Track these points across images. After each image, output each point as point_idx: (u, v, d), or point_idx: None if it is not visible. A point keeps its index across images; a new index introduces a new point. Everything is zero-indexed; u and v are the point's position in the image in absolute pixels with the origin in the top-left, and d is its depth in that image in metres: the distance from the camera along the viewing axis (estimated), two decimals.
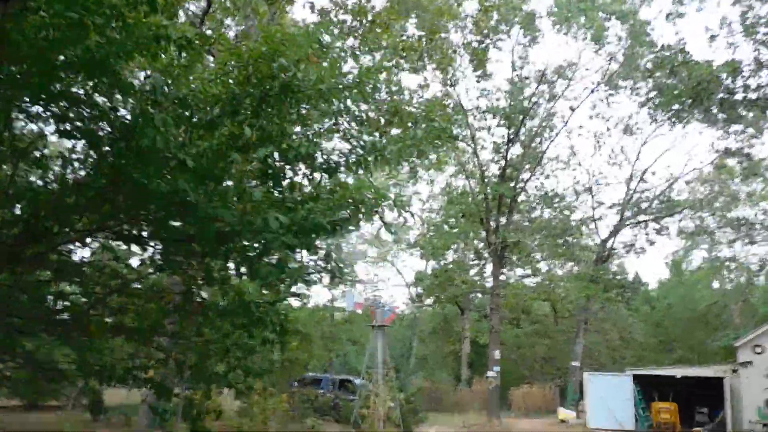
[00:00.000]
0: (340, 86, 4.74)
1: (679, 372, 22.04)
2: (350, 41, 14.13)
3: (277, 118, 4.42)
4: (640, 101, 25.01)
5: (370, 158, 4.92)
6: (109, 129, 4.09)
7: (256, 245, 4.79)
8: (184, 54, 4.22)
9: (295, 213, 4.54)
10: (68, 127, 4.15)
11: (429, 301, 30.14)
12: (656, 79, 21.67)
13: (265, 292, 6.67)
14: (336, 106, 5.03)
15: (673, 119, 24.14)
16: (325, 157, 4.96)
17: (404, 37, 15.74)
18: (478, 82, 23.00)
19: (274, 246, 4.43)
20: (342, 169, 5.09)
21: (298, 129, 5.01)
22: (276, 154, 4.53)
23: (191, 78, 4.45)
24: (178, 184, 3.89)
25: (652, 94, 23.69)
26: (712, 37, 18.59)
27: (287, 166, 4.77)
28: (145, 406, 7.64)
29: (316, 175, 5.10)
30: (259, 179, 4.76)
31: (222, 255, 5.09)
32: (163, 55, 4.12)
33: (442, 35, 17.94)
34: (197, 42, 4.35)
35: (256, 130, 4.38)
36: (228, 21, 14.62)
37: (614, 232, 28.57)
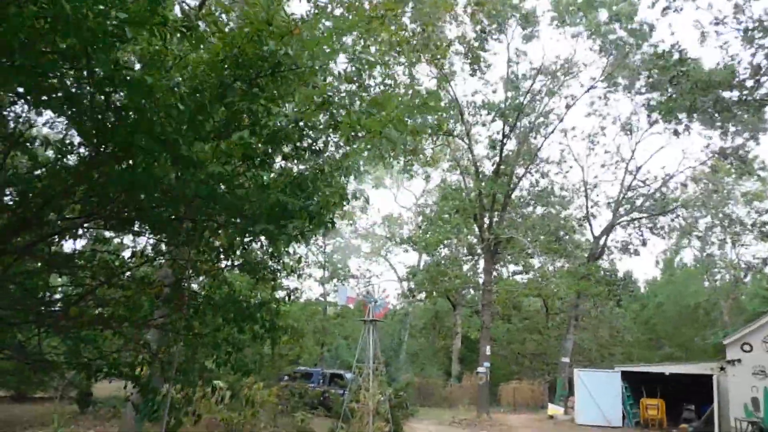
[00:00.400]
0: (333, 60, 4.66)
1: (667, 369, 22.23)
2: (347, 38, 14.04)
3: (264, 99, 4.34)
4: (640, 102, 25.22)
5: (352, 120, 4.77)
6: (88, 89, 3.95)
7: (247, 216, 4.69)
8: (186, 43, 4.13)
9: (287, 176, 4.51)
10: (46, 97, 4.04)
11: (421, 295, 30.19)
12: (652, 76, 21.74)
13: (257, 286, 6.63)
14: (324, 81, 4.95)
15: (675, 128, 24.40)
16: (309, 140, 4.89)
17: (401, 32, 15.64)
18: (472, 75, 22.96)
19: (269, 204, 4.36)
20: (330, 151, 5.02)
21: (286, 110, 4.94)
22: (257, 138, 4.46)
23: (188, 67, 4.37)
24: (166, 134, 3.78)
25: (650, 94, 23.93)
26: (703, 33, 18.64)
27: (270, 149, 4.70)
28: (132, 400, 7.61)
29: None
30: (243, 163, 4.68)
31: (213, 221, 4.95)
32: (157, 46, 4.04)
33: (437, 28, 17.87)
34: (198, 30, 4.26)
35: (245, 112, 4.31)
36: (224, 17, 14.47)
37: (607, 229, 28.73)
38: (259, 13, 4.10)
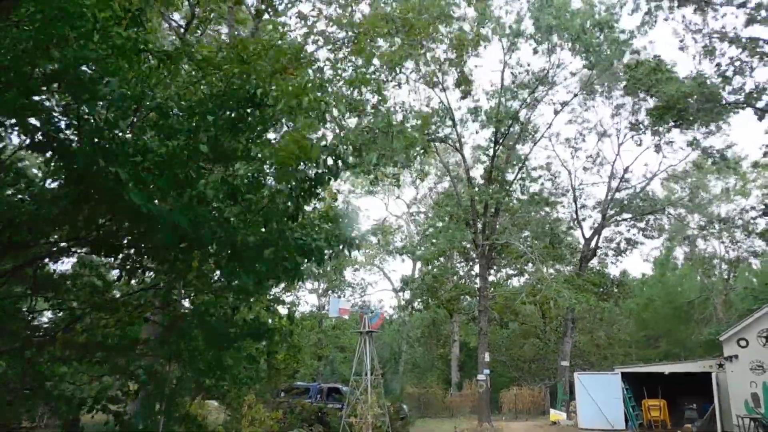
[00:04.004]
0: (323, 101, 4.67)
1: (667, 368, 22.13)
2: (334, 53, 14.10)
3: (244, 137, 4.32)
4: (627, 119, 25.72)
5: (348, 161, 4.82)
6: (77, 135, 3.88)
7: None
8: (163, 66, 4.13)
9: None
10: (39, 138, 3.94)
11: (417, 304, 29.92)
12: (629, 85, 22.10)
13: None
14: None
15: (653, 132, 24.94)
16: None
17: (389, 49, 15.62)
18: (463, 98, 23.17)
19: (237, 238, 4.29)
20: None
21: None
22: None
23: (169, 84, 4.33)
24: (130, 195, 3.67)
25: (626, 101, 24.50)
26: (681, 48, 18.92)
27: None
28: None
29: None
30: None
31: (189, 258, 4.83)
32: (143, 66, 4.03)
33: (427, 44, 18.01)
34: (178, 53, 4.27)
35: (227, 143, 4.25)
36: (211, 32, 14.44)
37: (597, 230, 28.71)
38: (249, 47, 4.10)
